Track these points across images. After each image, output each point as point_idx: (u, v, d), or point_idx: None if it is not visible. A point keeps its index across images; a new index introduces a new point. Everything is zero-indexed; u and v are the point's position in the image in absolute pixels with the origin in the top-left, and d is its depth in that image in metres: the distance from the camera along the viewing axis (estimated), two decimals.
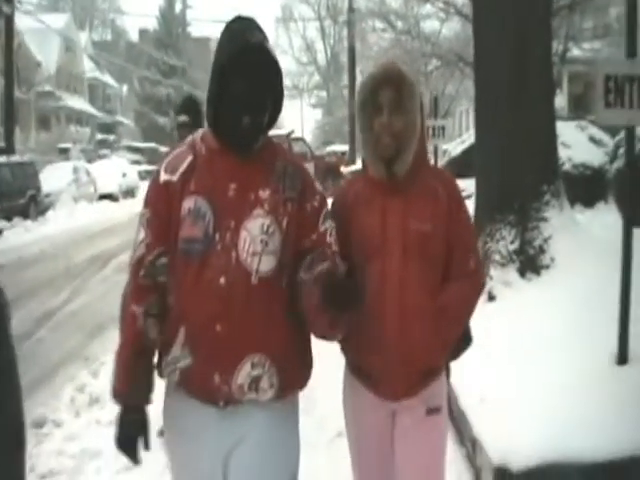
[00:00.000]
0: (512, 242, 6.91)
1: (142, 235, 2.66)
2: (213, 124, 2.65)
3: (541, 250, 6.82)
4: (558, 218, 7.00)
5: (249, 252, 2.53)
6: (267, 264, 2.55)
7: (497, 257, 6.92)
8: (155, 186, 2.70)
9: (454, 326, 2.85)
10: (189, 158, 2.68)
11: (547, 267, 6.74)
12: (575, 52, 22.41)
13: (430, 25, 26.80)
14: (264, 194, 2.60)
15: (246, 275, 2.52)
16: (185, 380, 2.58)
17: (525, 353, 5.06)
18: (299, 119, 70.08)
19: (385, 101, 2.80)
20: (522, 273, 6.80)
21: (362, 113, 2.87)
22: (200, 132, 2.79)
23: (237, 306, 2.50)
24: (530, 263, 6.80)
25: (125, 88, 69.02)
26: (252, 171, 2.63)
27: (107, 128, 61.79)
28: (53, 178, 25.65)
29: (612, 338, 4.75)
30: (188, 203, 2.59)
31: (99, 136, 57.90)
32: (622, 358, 4.71)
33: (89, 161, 35.28)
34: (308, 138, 36.59)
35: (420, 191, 2.84)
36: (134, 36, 73.77)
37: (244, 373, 2.52)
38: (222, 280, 2.50)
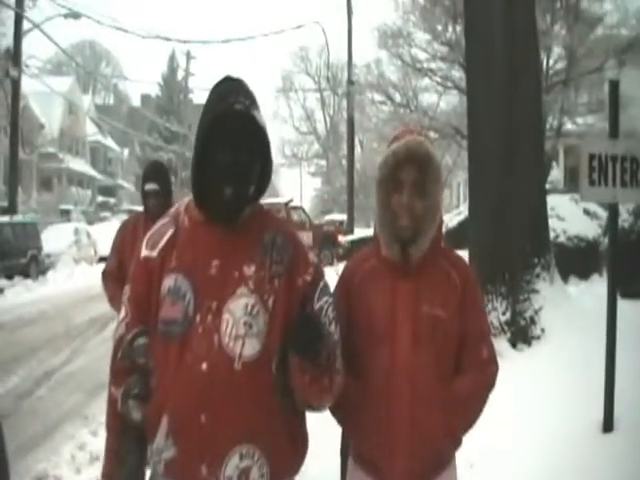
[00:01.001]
0: (504, 313, 7.10)
1: (123, 314, 2.54)
2: (196, 194, 2.47)
3: (532, 321, 7.02)
4: (549, 290, 7.21)
5: (231, 336, 2.36)
6: (251, 348, 2.37)
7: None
8: (136, 262, 2.57)
9: (466, 421, 2.68)
10: (170, 232, 2.53)
11: (538, 338, 6.92)
12: (570, 126, 22.86)
13: (428, 98, 27.36)
14: (249, 271, 2.43)
15: (229, 361, 2.35)
16: (171, 472, 2.41)
17: (514, 420, 5.21)
18: (298, 187, 70.73)
19: (407, 180, 2.64)
20: (513, 344, 6.98)
21: (381, 190, 2.70)
22: (185, 201, 2.62)
23: (221, 395, 2.34)
24: (521, 334, 6.99)
25: (126, 152, 69.66)
26: (237, 245, 2.47)
27: (108, 191, 62.31)
28: (54, 239, 25.82)
29: (598, 407, 4.93)
30: (168, 281, 2.44)
31: (100, 198, 58.40)
32: (607, 426, 4.88)
33: (90, 223, 35.59)
34: (307, 206, 36.99)
35: (433, 275, 2.69)
36: (136, 101, 74.84)
37: (233, 464, 2.37)
38: (204, 366, 2.34)
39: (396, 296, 2.66)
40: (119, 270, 5.26)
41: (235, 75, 2.51)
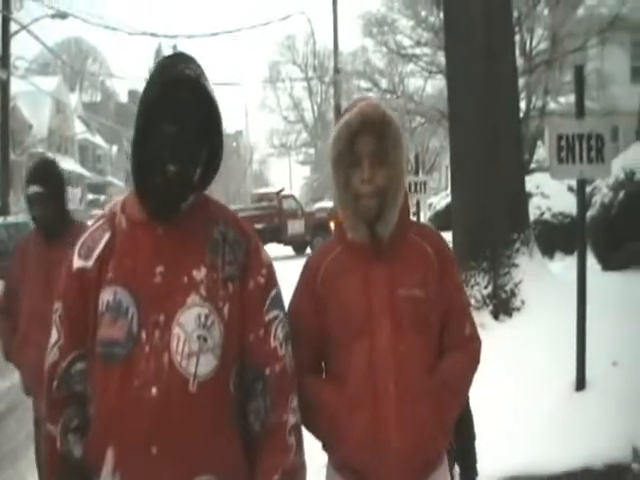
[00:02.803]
0: (485, 287, 7.44)
1: (55, 337, 2.20)
2: (135, 180, 2.16)
3: (512, 294, 7.35)
4: (528, 264, 7.55)
5: (184, 353, 2.06)
6: (207, 365, 2.08)
7: (472, 301, 7.40)
8: (67, 274, 2.21)
9: (453, 405, 2.45)
10: (106, 236, 2.19)
11: (518, 309, 7.26)
12: (554, 105, 23.13)
13: (414, 83, 27.59)
14: (199, 275, 2.13)
15: (182, 382, 2.05)
16: None
17: (495, 383, 5.56)
18: (287, 177, 70.97)
19: (365, 151, 2.36)
20: (495, 316, 7.32)
21: (338, 167, 2.41)
22: (122, 199, 2.31)
23: (174, 422, 2.04)
24: (502, 306, 7.33)
25: (115, 149, 69.74)
26: (183, 245, 2.15)
27: (98, 188, 62.38)
28: None
29: (573, 370, 5.30)
30: (106, 295, 2.11)
31: (90, 197, 58.49)
32: (580, 385, 5.26)
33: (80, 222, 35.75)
34: (296, 195, 37.25)
35: (406, 253, 2.44)
36: (124, 97, 74.89)
37: None
38: (153, 391, 2.03)
39: (369, 282, 2.40)
40: (6, 299, 4.53)
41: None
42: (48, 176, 4.43)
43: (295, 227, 27.49)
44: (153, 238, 2.15)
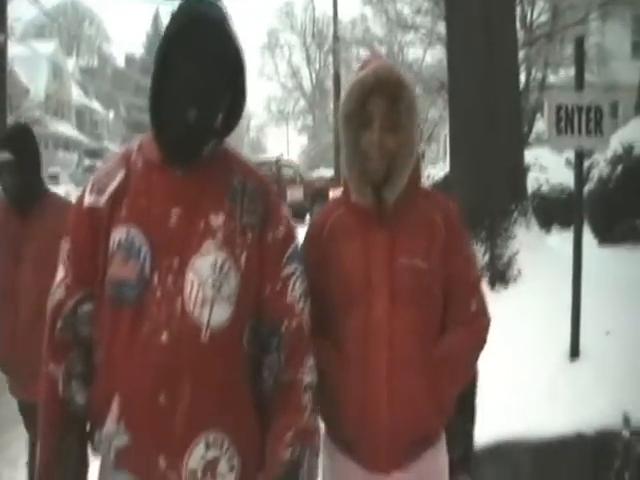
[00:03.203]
0: (483, 257, 7.51)
1: (61, 274, 2.11)
2: (153, 124, 2.07)
3: (509, 264, 7.42)
4: (525, 235, 7.61)
5: (197, 300, 1.98)
6: (221, 314, 2.00)
7: None
8: (77, 211, 2.13)
9: (453, 382, 2.34)
10: (120, 174, 2.10)
11: (514, 279, 7.33)
12: (554, 79, 23.12)
13: (413, 52, 27.55)
14: (216, 221, 2.04)
15: (194, 331, 1.97)
16: (123, 462, 2.01)
17: (491, 352, 5.66)
18: (284, 144, 70.85)
19: (377, 113, 2.30)
20: (492, 285, 7.39)
21: (347, 126, 2.35)
22: (138, 139, 2.21)
23: (184, 371, 1.96)
24: (499, 276, 7.39)
25: (112, 114, 69.52)
26: (201, 190, 2.07)
27: (94, 154, 62.26)
28: None
29: (568, 338, 5.41)
30: (118, 234, 2.03)
31: (87, 162, 58.39)
32: (574, 353, 5.37)
33: (77, 186, 35.70)
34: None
35: (412, 220, 2.34)
36: (121, 62, 74.52)
37: (197, 455, 1.99)
38: (164, 337, 1.95)
39: (369, 248, 2.32)
40: None
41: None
42: (20, 143, 4.03)
43: (294, 194, 27.49)
44: (170, 180, 2.06)
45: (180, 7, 2.06)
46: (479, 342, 2.42)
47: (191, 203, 2.04)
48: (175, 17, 2.04)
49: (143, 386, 1.97)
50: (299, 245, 2.22)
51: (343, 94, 2.39)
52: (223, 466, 2.03)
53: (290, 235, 2.16)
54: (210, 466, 2.01)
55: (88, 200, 2.10)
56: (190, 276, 1.99)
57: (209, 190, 2.07)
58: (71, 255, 2.10)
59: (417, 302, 2.29)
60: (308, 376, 2.11)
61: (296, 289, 2.12)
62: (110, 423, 2.00)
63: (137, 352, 1.97)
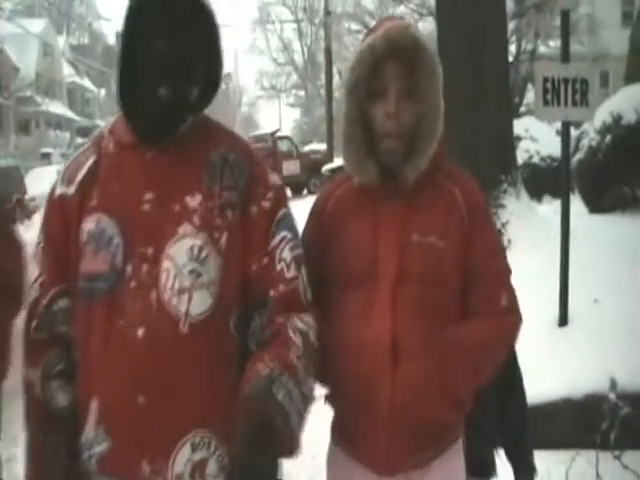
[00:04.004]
0: None
1: (36, 272, 2.00)
2: (122, 103, 1.94)
3: (499, 233, 7.53)
4: (515, 205, 7.72)
5: (174, 289, 1.84)
6: (200, 304, 1.84)
7: None
8: (48, 203, 2.02)
9: (470, 377, 2.05)
10: (91, 160, 1.98)
11: (505, 249, 7.44)
12: (544, 49, 23.10)
13: None
14: (193, 202, 1.89)
15: (172, 323, 1.83)
16: (105, 469, 1.87)
17: None
18: (277, 119, 70.68)
19: (391, 81, 2.02)
20: None
21: (352, 97, 2.06)
22: (110, 121, 2.09)
23: (163, 367, 1.82)
24: None
25: (103, 92, 69.15)
26: (177, 169, 1.92)
27: (86, 132, 61.74)
28: (37, 182, 25.92)
29: (556, 306, 5.53)
30: (88, 224, 1.91)
31: (79, 140, 58.13)
32: (562, 321, 5.50)
33: None
34: None
35: (429, 194, 2.09)
36: (112, 40, 74.01)
37: (183, 458, 1.85)
38: (140, 332, 1.82)
39: (379, 223, 2.08)
40: None
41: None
42: None
43: (290, 168, 27.45)
44: (142, 162, 1.92)
45: None
46: (505, 337, 2.14)
47: (165, 186, 1.90)
48: None
49: (120, 386, 1.83)
50: (291, 213, 2.03)
51: (348, 64, 2.12)
52: (212, 467, 1.88)
53: (279, 203, 1.98)
54: (198, 468, 1.87)
55: (59, 191, 1.99)
56: (165, 264, 1.85)
57: (184, 169, 1.92)
58: (44, 250, 2.00)
59: (429, 283, 2.04)
60: (301, 323, 1.92)
61: (284, 255, 1.93)
62: (89, 428, 1.89)
63: (113, 350, 1.85)
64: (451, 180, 2.13)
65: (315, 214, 2.22)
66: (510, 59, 9.54)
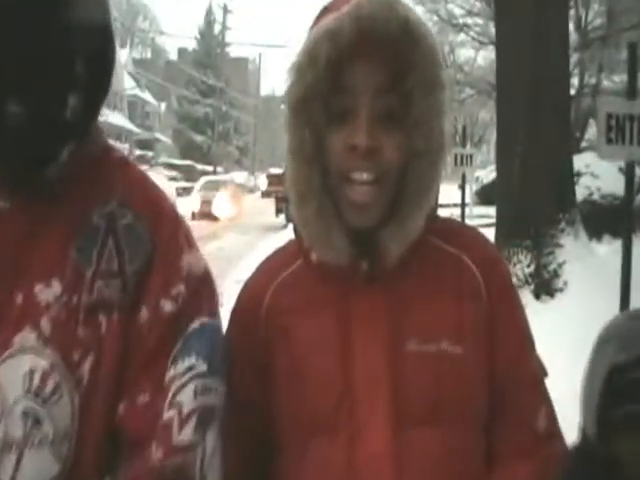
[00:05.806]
0: (528, 266, 7.39)
1: None
2: None
3: (555, 274, 7.29)
4: (572, 245, 7.48)
5: None
6: (37, 471, 1.10)
7: (514, 280, 7.37)
8: None
9: None
10: None
11: (560, 290, 7.21)
12: (607, 83, 22.76)
13: (465, 53, 27.37)
14: (46, 294, 1.14)
15: None
16: None
17: None
18: None
19: (363, 94, 1.20)
20: (537, 295, 7.27)
21: (300, 122, 1.23)
22: None
23: None
24: (544, 286, 7.27)
25: (163, 106, 70.09)
26: (31, 236, 1.16)
27: (145, 145, 62.87)
28: None
29: None
30: None
31: (137, 152, 59.01)
32: None
33: None
34: None
35: (425, 271, 1.29)
36: (173, 55, 75.19)
37: None
38: None
39: (351, 323, 1.26)
40: None
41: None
42: None
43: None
44: None
45: None
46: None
47: (8, 262, 1.15)
48: None
49: None
50: (218, 326, 1.24)
51: (290, 67, 1.23)
52: None
53: (191, 308, 1.18)
54: None
55: None
56: None
57: (46, 235, 1.17)
58: None
59: (446, 421, 1.24)
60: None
61: (182, 399, 1.13)
62: None
63: None
64: (453, 242, 1.33)
65: (243, 316, 1.35)
66: (572, 92, 9.30)
